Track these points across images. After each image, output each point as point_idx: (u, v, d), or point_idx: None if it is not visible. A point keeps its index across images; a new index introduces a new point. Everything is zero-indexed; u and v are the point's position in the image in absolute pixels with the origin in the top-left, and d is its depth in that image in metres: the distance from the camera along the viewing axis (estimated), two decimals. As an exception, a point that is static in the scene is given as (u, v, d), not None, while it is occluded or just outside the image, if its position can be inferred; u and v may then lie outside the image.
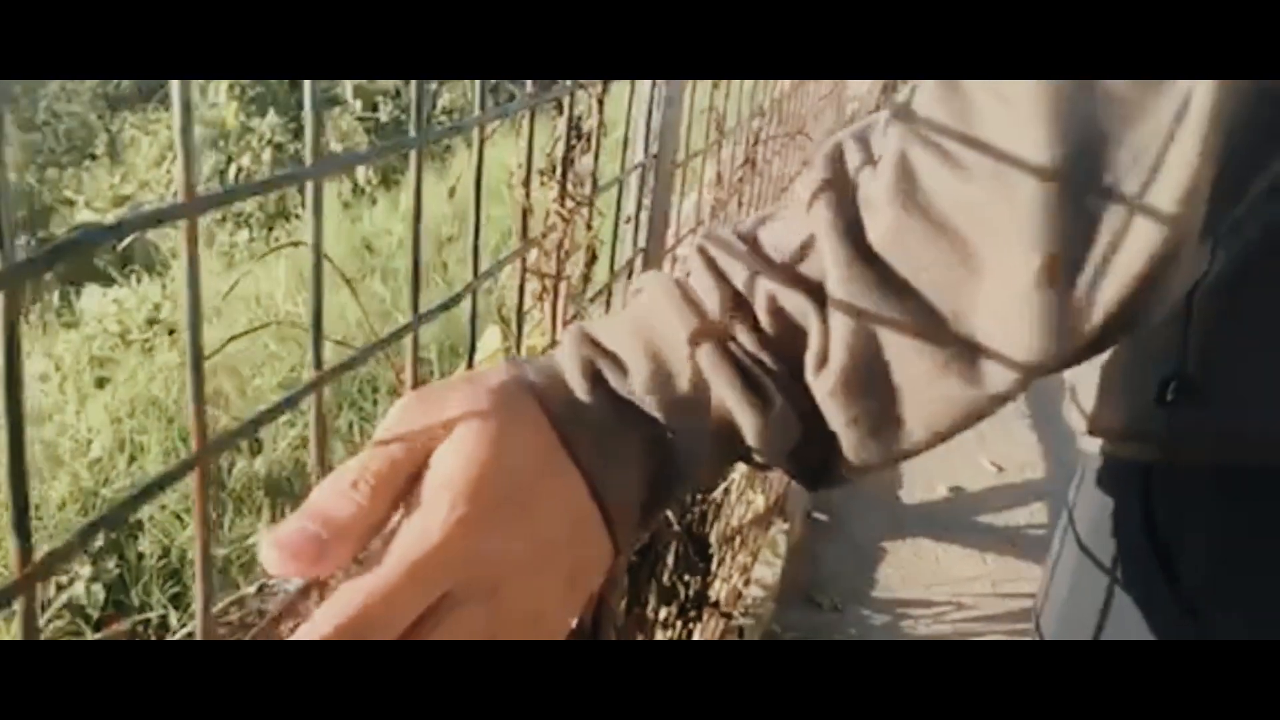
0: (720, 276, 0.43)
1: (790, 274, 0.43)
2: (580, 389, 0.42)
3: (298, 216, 6.12)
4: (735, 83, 1.13)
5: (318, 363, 0.39)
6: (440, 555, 0.36)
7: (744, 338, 0.42)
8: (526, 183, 0.58)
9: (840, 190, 0.43)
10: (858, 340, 0.41)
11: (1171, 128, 0.38)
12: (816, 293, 0.42)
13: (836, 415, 0.43)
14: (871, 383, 0.42)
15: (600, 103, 0.71)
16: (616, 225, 0.82)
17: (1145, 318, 0.41)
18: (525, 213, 0.58)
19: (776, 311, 0.42)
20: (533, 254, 0.70)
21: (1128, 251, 0.39)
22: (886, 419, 0.43)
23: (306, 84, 0.36)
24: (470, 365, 0.52)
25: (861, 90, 2.58)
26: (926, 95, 0.42)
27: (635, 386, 0.42)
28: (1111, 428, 0.67)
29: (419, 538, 0.36)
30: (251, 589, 0.87)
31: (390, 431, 0.39)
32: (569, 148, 0.65)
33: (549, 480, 0.39)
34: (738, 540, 1.79)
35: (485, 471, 0.37)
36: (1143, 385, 0.62)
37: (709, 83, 1.04)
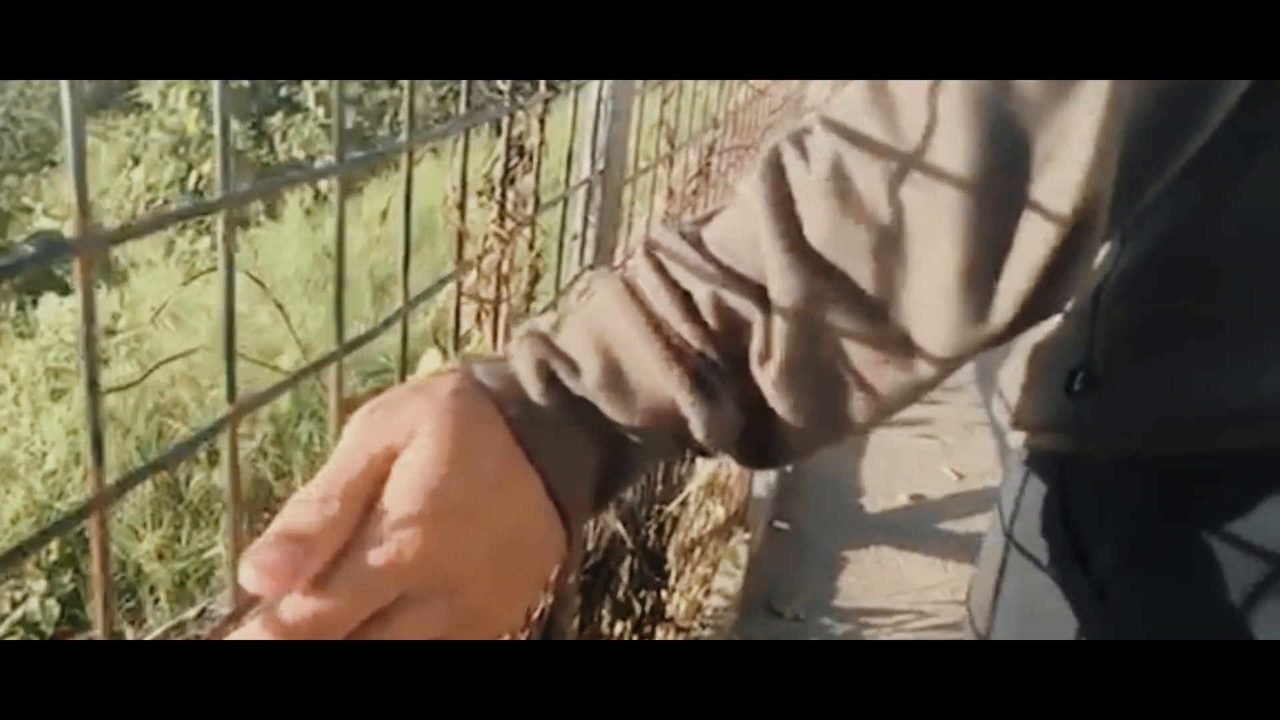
0: (666, 276, 0.45)
1: (733, 272, 0.45)
2: (534, 390, 0.43)
3: (258, 224, 6.07)
4: (686, 95, 1.12)
5: (230, 394, 0.38)
6: (402, 565, 0.37)
7: (690, 335, 0.44)
8: (461, 205, 0.57)
9: (779, 191, 0.44)
10: (798, 332, 0.43)
11: (1077, 130, 0.40)
12: (758, 289, 0.44)
13: (781, 403, 0.45)
14: (812, 372, 0.44)
15: (542, 121, 0.70)
16: (561, 243, 0.81)
17: (1052, 307, 0.43)
18: (461, 236, 0.57)
19: (721, 308, 0.44)
20: (473, 275, 0.69)
21: (1035, 250, 0.41)
22: (827, 405, 0.45)
23: (216, 104, 0.35)
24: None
25: (820, 99, 2.58)
26: (855, 97, 0.44)
27: (588, 385, 0.44)
28: (1030, 421, 0.69)
29: (382, 549, 0.37)
30: (190, 614, 0.86)
31: (352, 443, 0.40)
32: (508, 167, 0.64)
33: (507, 481, 0.41)
34: (697, 552, 1.78)
35: (444, 478, 0.39)
36: (1056, 378, 0.65)
37: (659, 96, 1.04)
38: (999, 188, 0.41)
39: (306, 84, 7.10)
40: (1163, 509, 0.60)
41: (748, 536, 2.28)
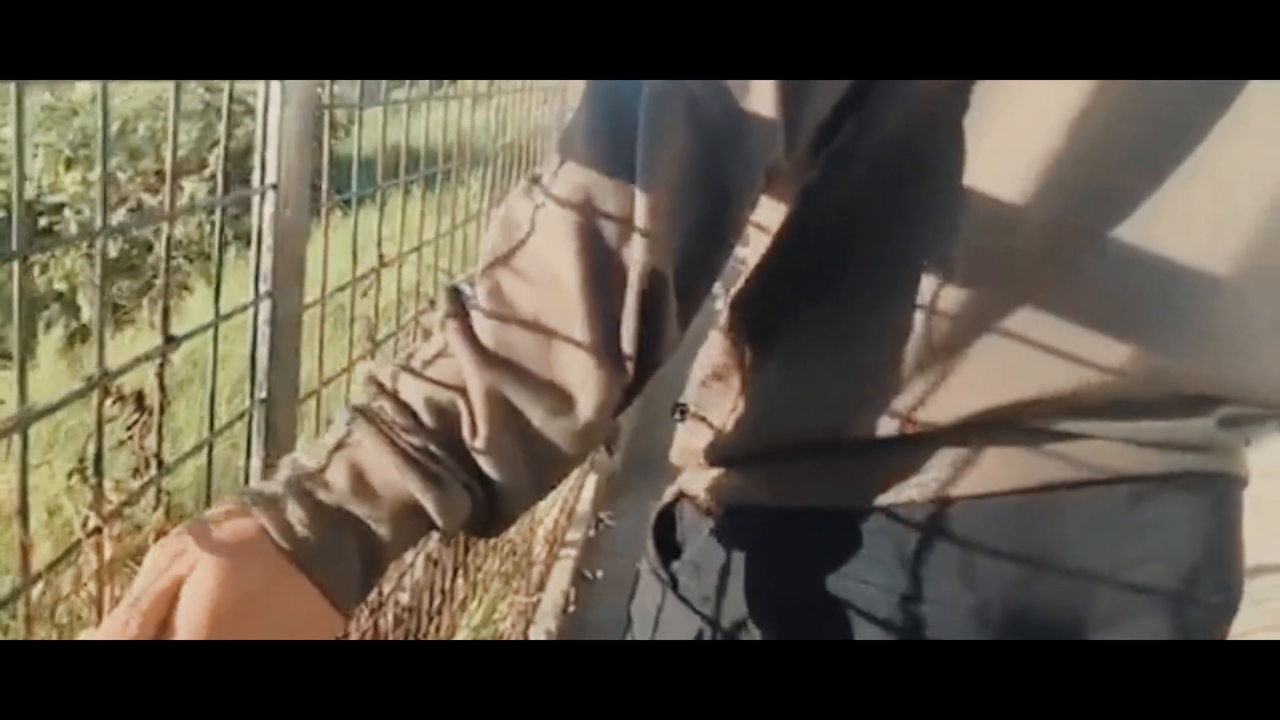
0: (388, 394, 0.56)
1: (436, 379, 0.56)
2: (295, 511, 0.52)
3: (7, 358, 5.62)
4: (382, 282, 1.07)
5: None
6: None
7: (415, 437, 0.54)
8: (23, 510, 0.50)
9: (459, 310, 0.57)
10: (493, 409, 0.55)
11: (639, 211, 0.53)
12: (458, 387, 0.55)
13: (494, 470, 0.55)
14: (511, 438, 0.55)
15: (160, 376, 0.64)
16: (210, 480, 0.75)
17: (662, 356, 0.57)
18: (25, 549, 0.50)
19: (435, 409, 0.55)
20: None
21: (636, 315, 0.55)
22: (529, 459, 0.56)
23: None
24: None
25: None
26: (495, 223, 0.58)
27: (339, 495, 0.53)
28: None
29: None
30: None
31: (148, 575, 0.51)
32: (100, 437, 0.57)
33: (280, 590, 0.51)
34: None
35: (221, 600, 0.49)
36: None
37: (350, 292, 0.98)
38: (600, 279, 0.54)
39: (68, 213, 6.75)
40: (723, 548, 0.72)
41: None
